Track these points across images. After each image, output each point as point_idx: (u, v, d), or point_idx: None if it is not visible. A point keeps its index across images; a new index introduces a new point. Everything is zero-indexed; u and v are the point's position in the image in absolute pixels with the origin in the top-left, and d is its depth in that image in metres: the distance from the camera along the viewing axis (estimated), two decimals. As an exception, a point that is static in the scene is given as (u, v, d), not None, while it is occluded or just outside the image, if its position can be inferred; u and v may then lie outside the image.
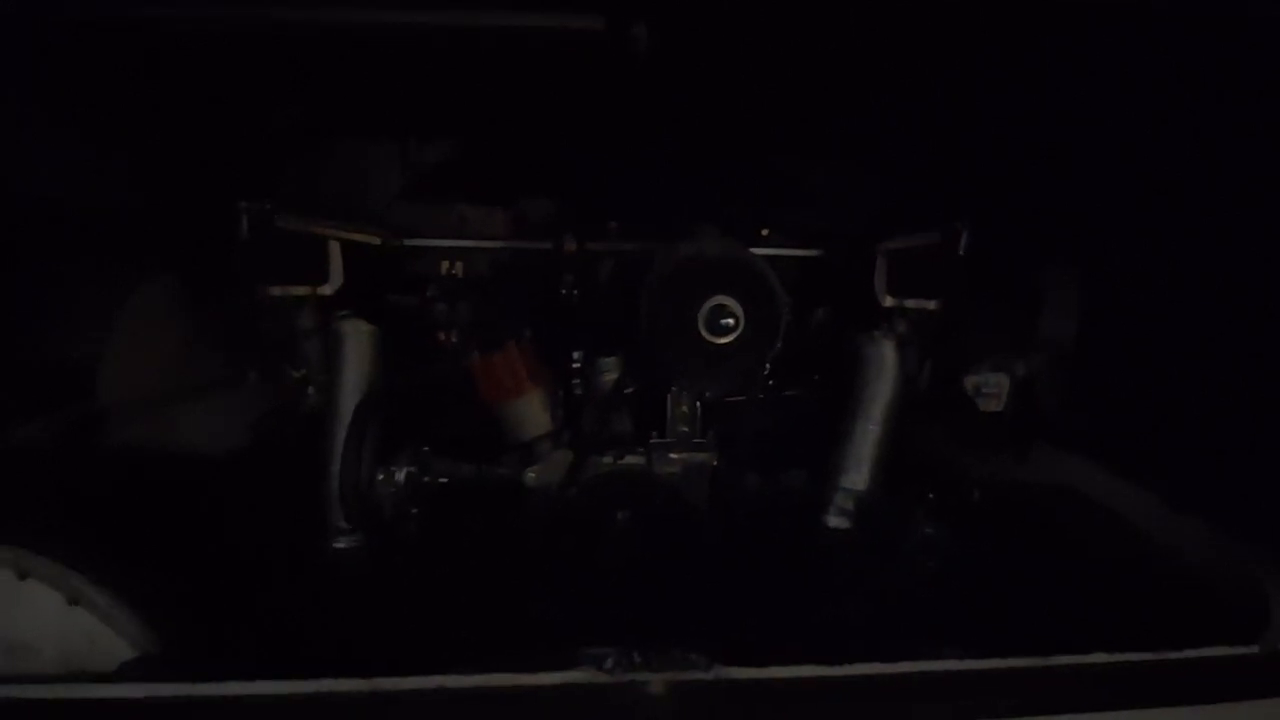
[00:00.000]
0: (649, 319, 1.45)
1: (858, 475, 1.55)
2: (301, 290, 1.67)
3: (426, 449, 1.52)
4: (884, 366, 1.60)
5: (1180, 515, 1.41)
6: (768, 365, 1.62)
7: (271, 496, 1.54)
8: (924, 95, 1.66)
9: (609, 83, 1.60)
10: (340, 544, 1.46)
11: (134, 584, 0.97)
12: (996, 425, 1.65)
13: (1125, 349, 1.75)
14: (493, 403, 1.54)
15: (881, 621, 1.41)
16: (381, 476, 1.46)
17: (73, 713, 0.82)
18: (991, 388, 1.63)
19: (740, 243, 1.54)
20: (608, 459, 1.57)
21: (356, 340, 1.56)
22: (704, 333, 1.43)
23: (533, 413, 1.54)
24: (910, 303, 1.68)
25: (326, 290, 1.66)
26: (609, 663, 0.88)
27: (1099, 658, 0.92)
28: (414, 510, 1.47)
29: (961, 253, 1.61)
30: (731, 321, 1.43)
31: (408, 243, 1.74)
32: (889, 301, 1.68)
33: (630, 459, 1.58)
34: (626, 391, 1.60)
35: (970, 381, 1.62)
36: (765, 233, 1.74)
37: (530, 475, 1.57)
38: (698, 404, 1.64)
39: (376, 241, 1.70)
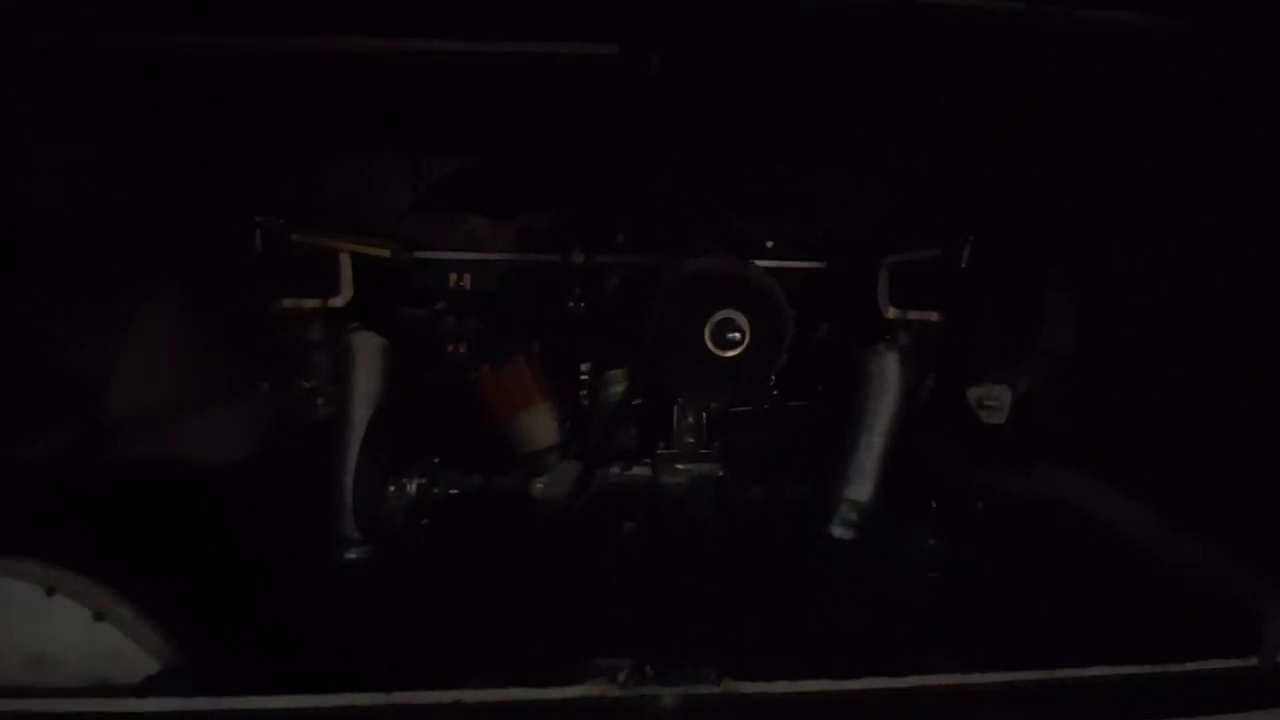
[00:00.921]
0: (656, 332, 1.47)
1: (861, 487, 1.57)
2: (312, 303, 1.70)
3: (436, 460, 1.54)
4: (887, 379, 1.62)
5: (1177, 529, 1.43)
6: (773, 377, 1.64)
7: (283, 508, 1.56)
8: (927, 108, 1.68)
9: (616, 99, 1.62)
10: (351, 555, 1.48)
11: (157, 599, 1.00)
12: (998, 438, 1.67)
13: (1125, 362, 1.76)
14: (500, 415, 1.57)
15: (884, 633, 1.43)
16: (392, 488, 1.48)
17: (99, 726, 0.84)
18: (994, 400, 1.65)
19: (745, 256, 1.57)
20: (614, 470, 1.60)
21: (367, 353, 1.58)
22: (710, 346, 1.45)
23: (540, 425, 1.57)
24: (913, 315, 1.70)
25: (337, 303, 1.68)
26: (621, 677, 0.90)
27: (1099, 671, 0.94)
28: (424, 521, 1.49)
29: (964, 265, 1.64)
30: (737, 335, 1.46)
31: (417, 255, 1.76)
32: (892, 314, 1.70)
33: (637, 470, 1.60)
34: (633, 404, 1.62)
35: (972, 394, 1.64)
36: (770, 245, 1.76)
37: (538, 486, 1.59)
38: (703, 416, 1.67)
39: (386, 254, 1.72)
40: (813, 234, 1.92)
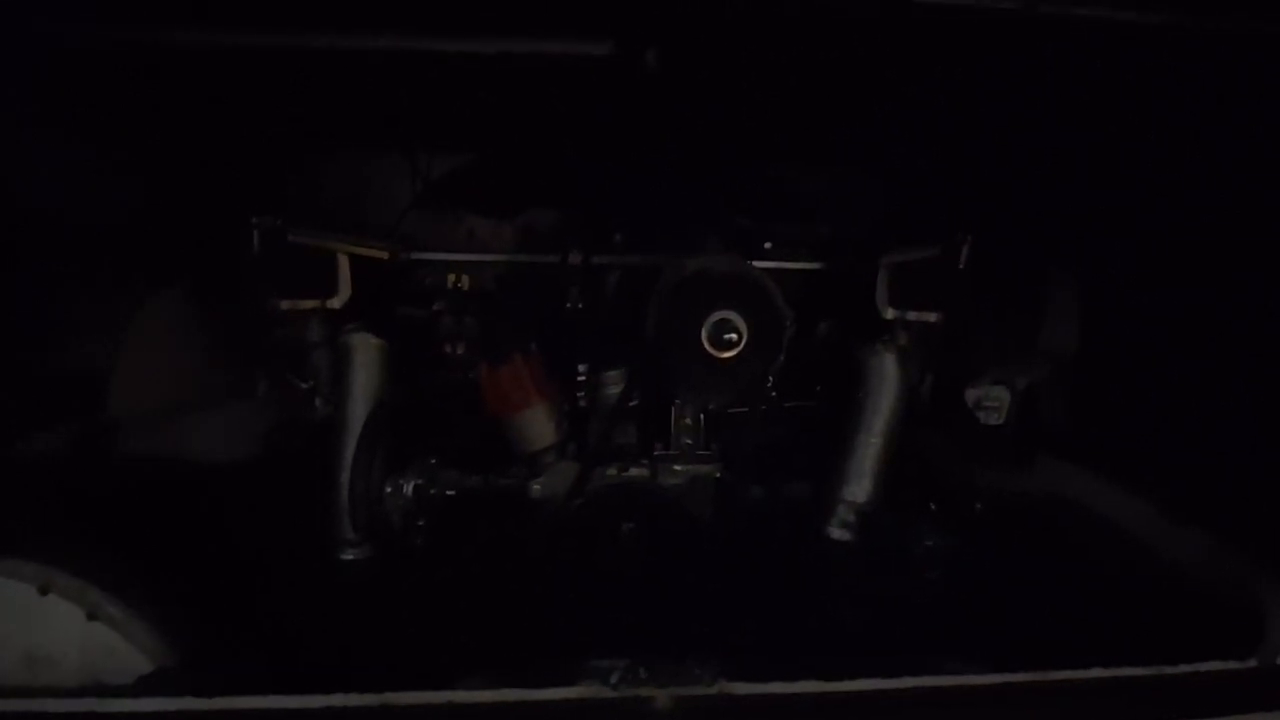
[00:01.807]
0: (654, 332, 1.47)
1: (860, 487, 1.56)
2: (311, 303, 1.70)
3: (434, 461, 1.54)
4: (886, 379, 1.61)
5: (1179, 526, 1.42)
6: (771, 378, 1.63)
7: (281, 507, 1.56)
8: (925, 107, 1.68)
9: (614, 98, 1.62)
10: (349, 555, 1.48)
11: (151, 598, 1.00)
12: (997, 437, 1.67)
13: (1125, 359, 1.76)
14: (498, 415, 1.56)
15: (884, 633, 1.43)
16: (390, 489, 1.48)
17: (92, 726, 0.84)
18: (992, 401, 1.64)
19: (743, 256, 1.57)
20: (613, 471, 1.59)
21: (365, 353, 1.58)
22: (708, 346, 1.45)
23: (538, 425, 1.56)
24: (912, 315, 1.69)
25: (335, 303, 1.68)
26: (614, 677, 0.90)
27: (1098, 672, 0.93)
28: (421, 522, 1.49)
29: (963, 265, 1.63)
30: (735, 336, 1.45)
31: (415, 256, 1.76)
32: (891, 314, 1.69)
33: (635, 471, 1.60)
34: (632, 404, 1.62)
35: (971, 395, 1.64)
36: (768, 246, 1.76)
37: (536, 487, 1.59)
38: (701, 416, 1.66)
39: (384, 255, 1.72)
40: (811, 234, 1.92)
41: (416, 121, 1.81)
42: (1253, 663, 1.02)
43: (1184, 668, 0.95)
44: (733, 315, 1.44)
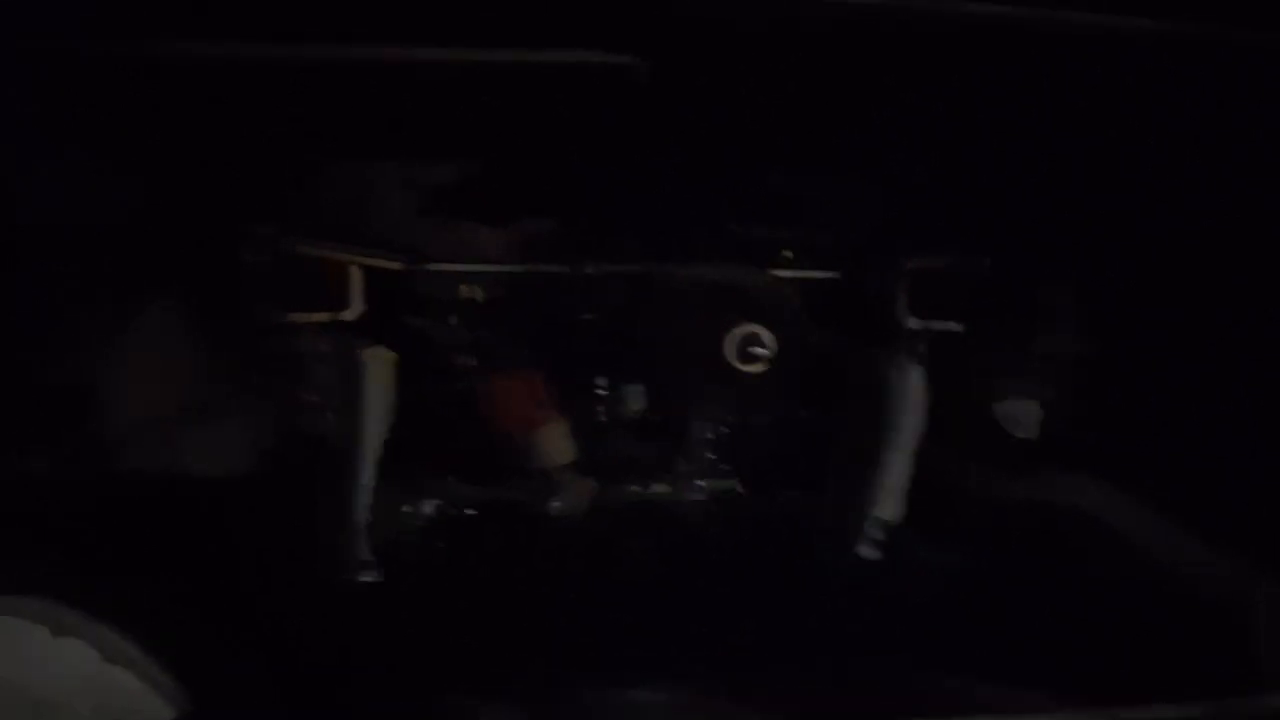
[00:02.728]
0: (675, 346, 1.44)
1: (890, 504, 1.53)
2: (321, 316, 1.65)
3: (450, 479, 1.49)
4: (912, 393, 1.59)
5: (1194, 538, 1.41)
6: (793, 391, 1.60)
7: (291, 529, 1.51)
8: (942, 111, 1.65)
9: (621, 103, 1.58)
10: (364, 577, 1.43)
11: (168, 636, 0.95)
12: (1024, 451, 1.64)
13: (1133, 366, 1.74)
14: (513, 431, 1.52)
15: (909, 651, 1.41)
16: (407, 508, 1.43)
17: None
18: (1024, 415, 1.62)
19: (763, 266, 1.53)
20: (631, 488, 1.56)
21: (379, 368, 1.53)
22: (732, 360, 1.41)
23: (557, 441, 1.52)
24: (934, 326, 1.67)
25: (347, 316, 1.64)
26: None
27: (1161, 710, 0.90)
28: (439, 543, 1.45)
29: (986, 273, 1.61)
30: (760, 349, 1.42)
31: (428, 267, 1.71)
32: (913, 324, 1.67)
33: (657, 487, 1.56)
34: (650, 419, 1.58)
35: (1002, 409, 1.61)
36: (789, 254, 1.72)
37: (552, 505, 1.55)
38: (721, 430, 1.63)
39: (398, 266, 1.67)
40: (824, 241, 1.88)
41: (419, 129, 1.76)
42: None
43: (1246, 702, 0.92)
44: (758, 329, 1.41)
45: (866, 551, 1.55)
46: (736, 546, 1.60)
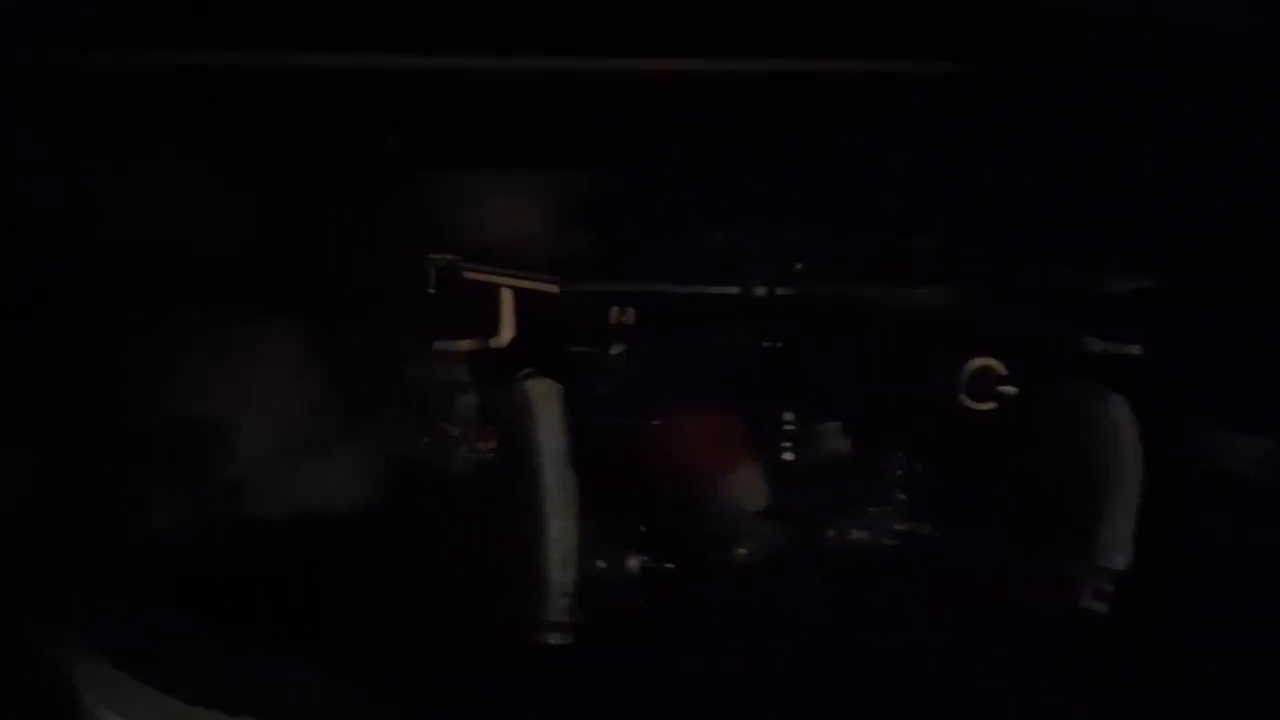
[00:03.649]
0: (895, 382, 1.29)
1: (1119, 553, 1.38)
2: (470, 344, 1.51)
3: (643, 528, 1.34)
4: (1124, 426, 1.44)
5: None
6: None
7: (453, 582, 1.36)
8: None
9: (797, 105, 1.44)
10: (552, 639, 1.27)
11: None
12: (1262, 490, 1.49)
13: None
14: (700, 474, 1.37)
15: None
16: (604, 562, 1.27)
17: None
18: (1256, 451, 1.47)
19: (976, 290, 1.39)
20: (832, 533, 1.41)
21: (546, 401, 1.37)
22: (965, 398, 1.27)
23: (751, 486, 1.37)
24: (1126, 350, 1.52)
25: (498, 343, 1.49)
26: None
27: None
28: (638, 600, 1.29)
29: (1180, 290, 1.47)
30: (996, 385, 1.27)
31: (586, 288, 1.56)
32: (1099, 347, 1.52)
33: (856, 533, 1.41)
34: (845, 457, 1.43)
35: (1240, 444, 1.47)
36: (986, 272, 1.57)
37: (739, 554, 1.40)
38: (917, 468, 1.48)
39: (555, 289, 1.52)
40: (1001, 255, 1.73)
41: (567, 138, 1.62)
42: None
43: None
44: (994, 362, 1.26)
45: (1093, 605, 1.39)
46: (935, 597, 1.46)
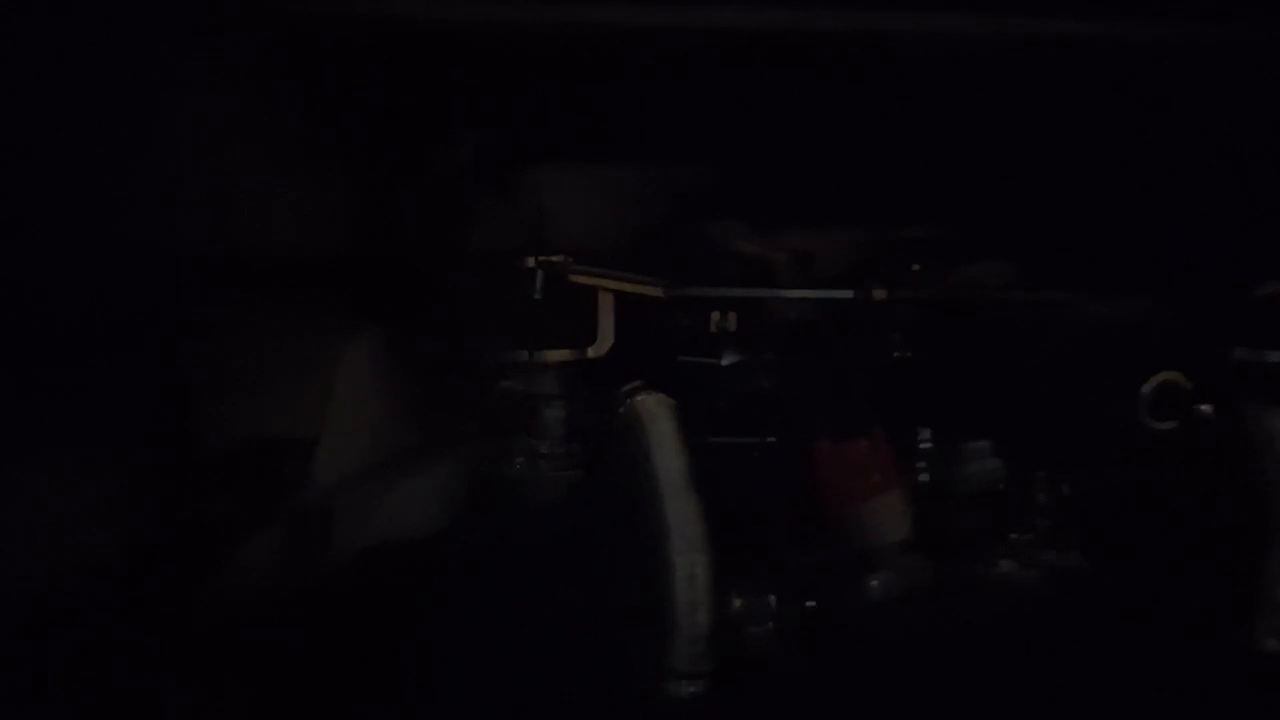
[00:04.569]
0: (1068, 399, 1.15)
1: (1298, 589, 1.23)
2: (566, 353, 1.39)
3: (784, 564, 1.21)
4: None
5: None
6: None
7: (554, 628, 1.24)
8: None
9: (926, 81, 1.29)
10: (685, 690, 1.14)
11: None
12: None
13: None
14: (841, 501, 1.23)
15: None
16: (741, 602, 1.14)
17: None
18: None
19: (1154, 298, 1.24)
20: (975, 565, 1.27)
21: (660, 419, 1.24)
22: (1148, 418, 1.13)
23: (894, 513, 1.23)
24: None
25: (595, 353, 1.37)
26: None
27: None
28: (786, 646, 1.15)
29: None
30: (1179, 403, 1.13)
31: (692, 293, 1.42)
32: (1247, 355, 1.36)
33: (1004, 564, 1.27)
34: (993, 482, 1.29)
35: None
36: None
37: (874, 585, 1.26)
38: (1064, 491, 1.34)
39: (659, 293, 1.39)
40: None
41: (665, 124, 1.48)
42: None
43: None
44: (1179, 377, 1.12)
45: (1273, 644, 1.25)
46: (1087, 633, 1.32)
